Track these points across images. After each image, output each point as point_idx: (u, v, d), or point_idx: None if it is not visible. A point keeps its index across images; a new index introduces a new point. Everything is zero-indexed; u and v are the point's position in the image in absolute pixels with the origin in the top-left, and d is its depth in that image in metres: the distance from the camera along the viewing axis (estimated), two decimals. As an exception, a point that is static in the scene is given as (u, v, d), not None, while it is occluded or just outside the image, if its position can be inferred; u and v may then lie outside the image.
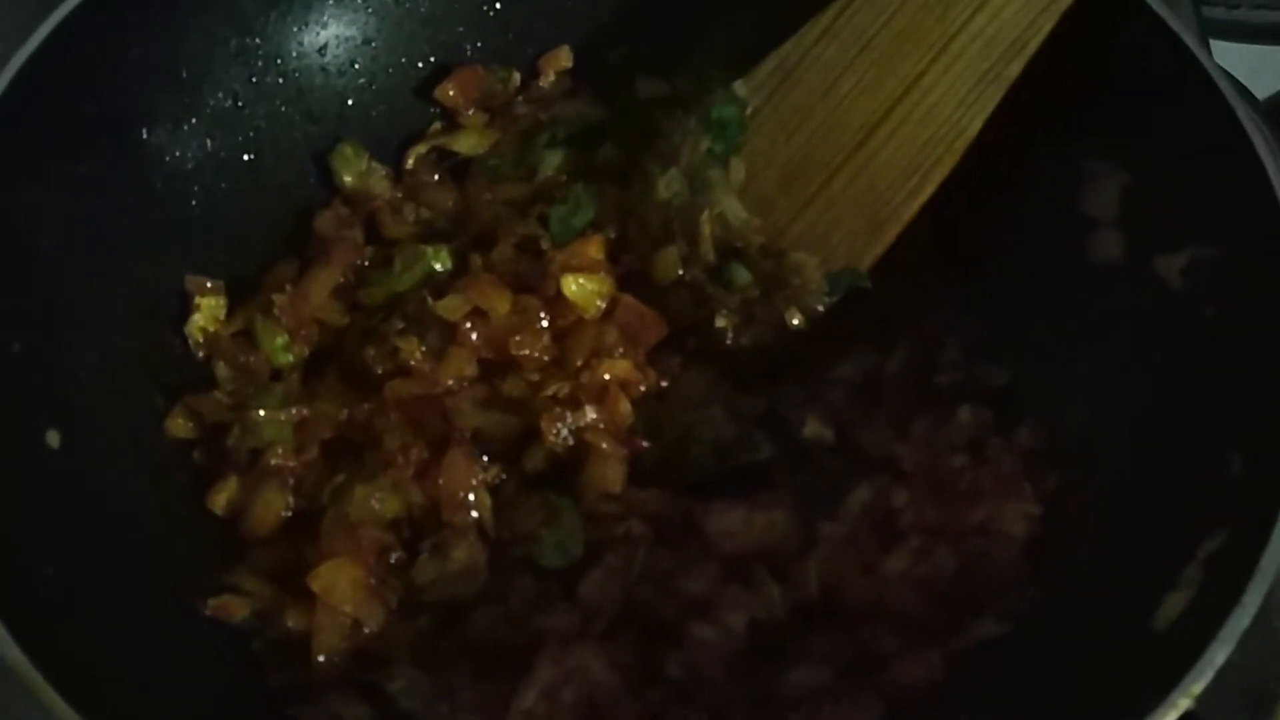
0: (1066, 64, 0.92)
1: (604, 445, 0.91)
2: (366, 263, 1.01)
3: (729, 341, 0.97)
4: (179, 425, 0.94)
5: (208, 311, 0.98)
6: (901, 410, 0.94)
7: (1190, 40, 0.86)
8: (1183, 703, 0.66)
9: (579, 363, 0.94)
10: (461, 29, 1.10)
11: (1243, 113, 0.82)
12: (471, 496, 0.89)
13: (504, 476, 0.91)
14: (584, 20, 1.11)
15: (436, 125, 1.09)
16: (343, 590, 0.85)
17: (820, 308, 0.96)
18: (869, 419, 0.94)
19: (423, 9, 1.08)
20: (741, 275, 0.96)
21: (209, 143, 1.00)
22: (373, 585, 0.86)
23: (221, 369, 0.96)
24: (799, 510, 0.89)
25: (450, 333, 0.94)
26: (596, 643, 0.83)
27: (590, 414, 0.92)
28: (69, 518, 0.81)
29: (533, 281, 0.97)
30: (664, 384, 0.96)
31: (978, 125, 0.91)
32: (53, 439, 0.83)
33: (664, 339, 0.96)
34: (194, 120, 1.00)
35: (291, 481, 0.91)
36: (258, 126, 1.03)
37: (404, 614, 0.86)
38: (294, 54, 1.05)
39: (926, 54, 0.93)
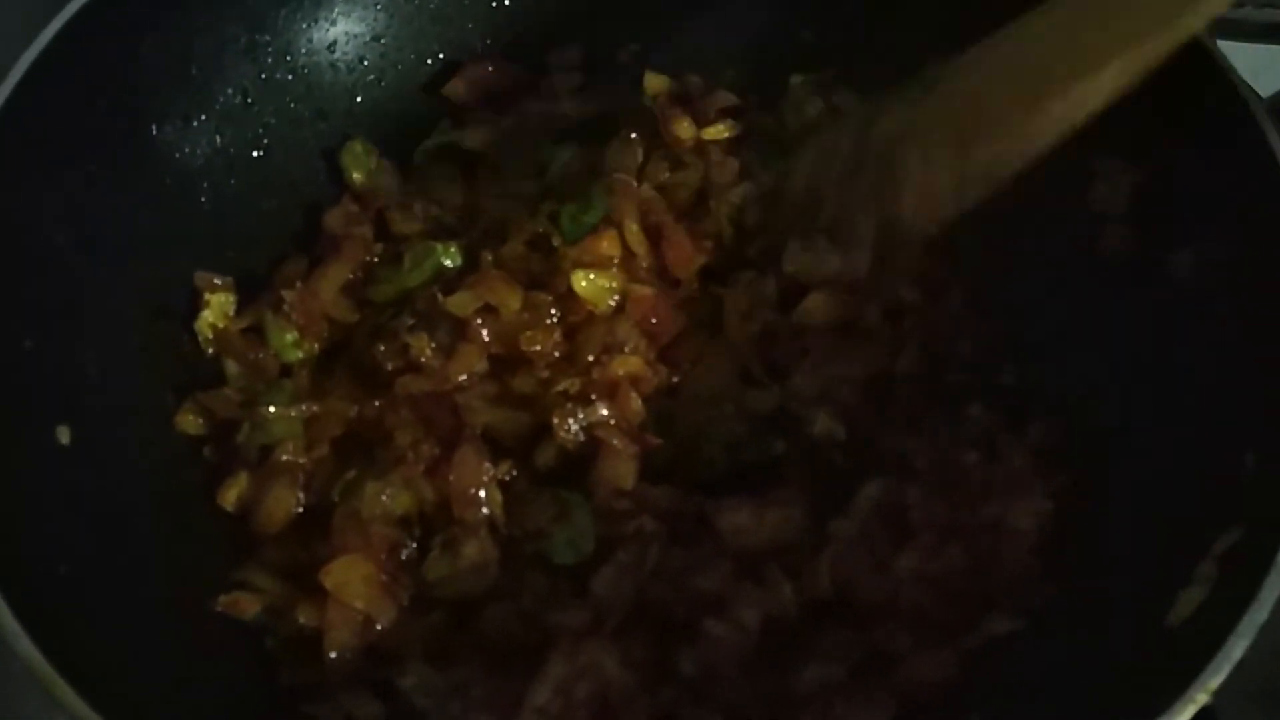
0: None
1: (615, 442, 0.91)
2: (376, 259, 1.01)
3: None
4: (189, 422, 0.94)
5: (218, 308, 0.98)
6: (913, 408, 0.94)
7: (1201, 35, 0.86)
8: (1200, 698, 0.65)
9: (590, 359, 0.94)
10: (471, 25, 1.10)
11: (1256, 108, 0.82)
12: (482, 493, 0.89)
13: (515, 473, 0.91)
14: (593, 17, 1.10)
15: (446, 122, 1.09)
16: (354, 586, 0.85)
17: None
18: (880, 416, 0.94)
19: (432, 5, 1.08)
20: None
21: (219, 139, 1.00)
22: (384, 582, 0.86)
23: (231, 366, 0.97)
24: (811, 507, 0.89)
25: (461, 329, 0.94)
26: (609, 640, 0.82)
27: (601, 410, 0.92)
28: (80, 514, 0.82)
29: (544, 278, 0.97)
30: (675, 380, 0.96)
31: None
32: (63, 435, 0.84)
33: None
34: (204, 117, 1.00)
35: (302, 478, 0.91)
36: (267, 123, 1.03)
37: (415, 610, 0.86)
38: (303, 51, 1.05)
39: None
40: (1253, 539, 0.72)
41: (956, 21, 0.99)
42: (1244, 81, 0.84)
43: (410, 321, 0.96)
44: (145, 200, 0.95)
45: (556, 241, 0.99)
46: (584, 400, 0.92)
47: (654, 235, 1.00)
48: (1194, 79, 0.85)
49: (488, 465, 0.90)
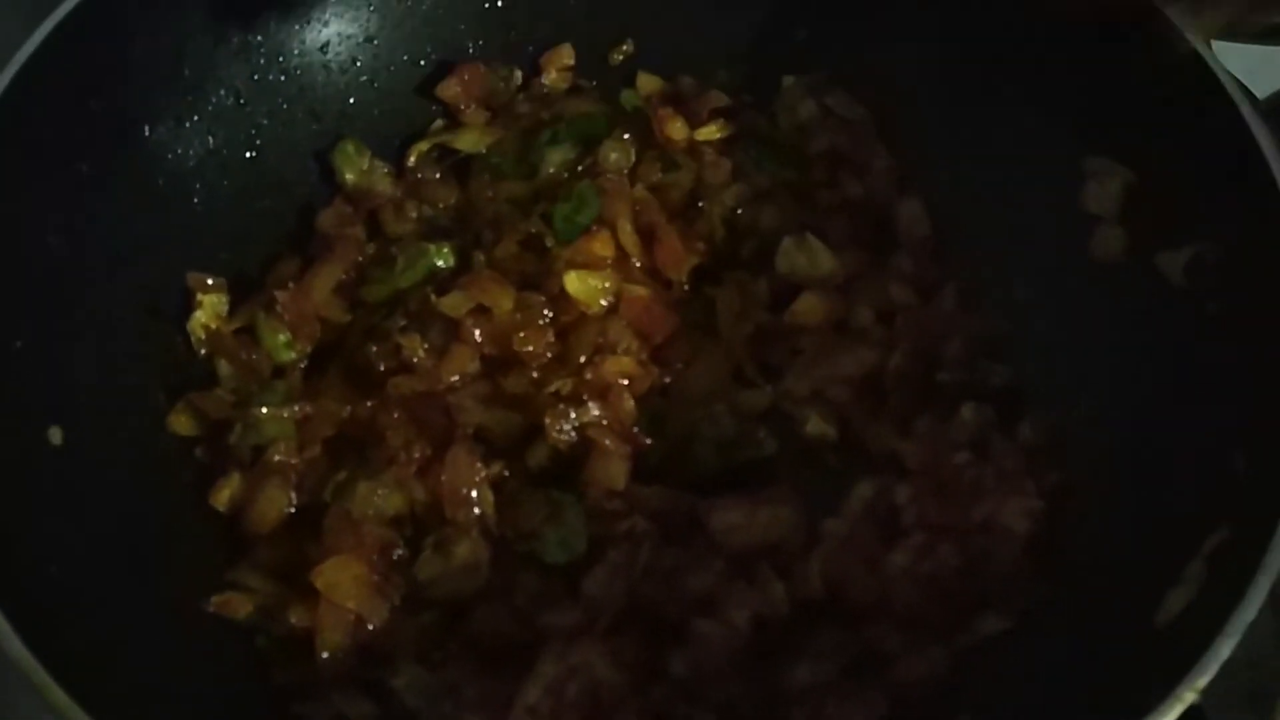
0: (1069, 61, 0.92)
1: (607, 442, 0.91)
2: (369, 260, 1.01)
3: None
4: (181, 422, 0.94)
5: (210, 309, 0.98)
6: (904, 407, 0.94)
7: (1193, 36, 0.86)
8: (1188, 697, 0.66)
9: (582, 359, 0.94)
10: (463, 27, 1.10)
11: (1246, 109, 0.82)
12: (474, 493, 0.89)
13: (507, 473, 0.91)
14: (585, 18, 1.11)
15: (438, 123, 1.09)
16: (346, 587, 0.85)
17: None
18: (872, 416, 0.94)
19: (424, 7, 1.08)
20: None
21: (211, 140, 1.00)
22: (376, 582, 0.86)
23: (224, 366, 0.97)
24: (802, 507, 0.89)
25: (453, 330, 0.94)
26: (600, 639, 0.82)
27: (593, 411, 0.92)
28: (72, 515, 0.81)
29: (536, 278, 0.97)
30: (667, 380, 0.96)
31: None
32: (55, 436, 0.84)
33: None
34: (196, 118, 1.00)
35: (294, 478, 0.91)
36: (260, 124, 1.03)
37: (407, 611, 0.86)
38: (296, 52, 1.05)
39: None
40: (1241, 539, 0.72)
41: (949, 22, 1.00)
42: (1238, 83, 0.84)
43: (403, 322, 0.96)
44: (137, 201, 0.95)
45: (549, 242, 0.99)
46: (576, 401, 0.92)
47: (646, 236, 1.00)
48: (1188, 80, 0.85)
49: (479, 465, 0.90)
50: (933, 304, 0.98)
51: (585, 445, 0.91)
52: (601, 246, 0.98)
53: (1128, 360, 0.88)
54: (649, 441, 0.93)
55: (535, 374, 0.94)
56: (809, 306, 0.98)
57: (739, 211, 1.03)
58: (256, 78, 1.03)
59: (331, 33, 1.06)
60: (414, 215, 1.04)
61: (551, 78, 1.10)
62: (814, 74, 1.07)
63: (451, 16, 1.09)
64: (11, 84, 0.85)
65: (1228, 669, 0.66)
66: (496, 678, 0.82)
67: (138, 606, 0.81)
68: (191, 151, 0.99)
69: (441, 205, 1.05)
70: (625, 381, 0.94)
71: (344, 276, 1.00)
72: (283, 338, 0.97)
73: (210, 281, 0.98)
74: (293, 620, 0.85)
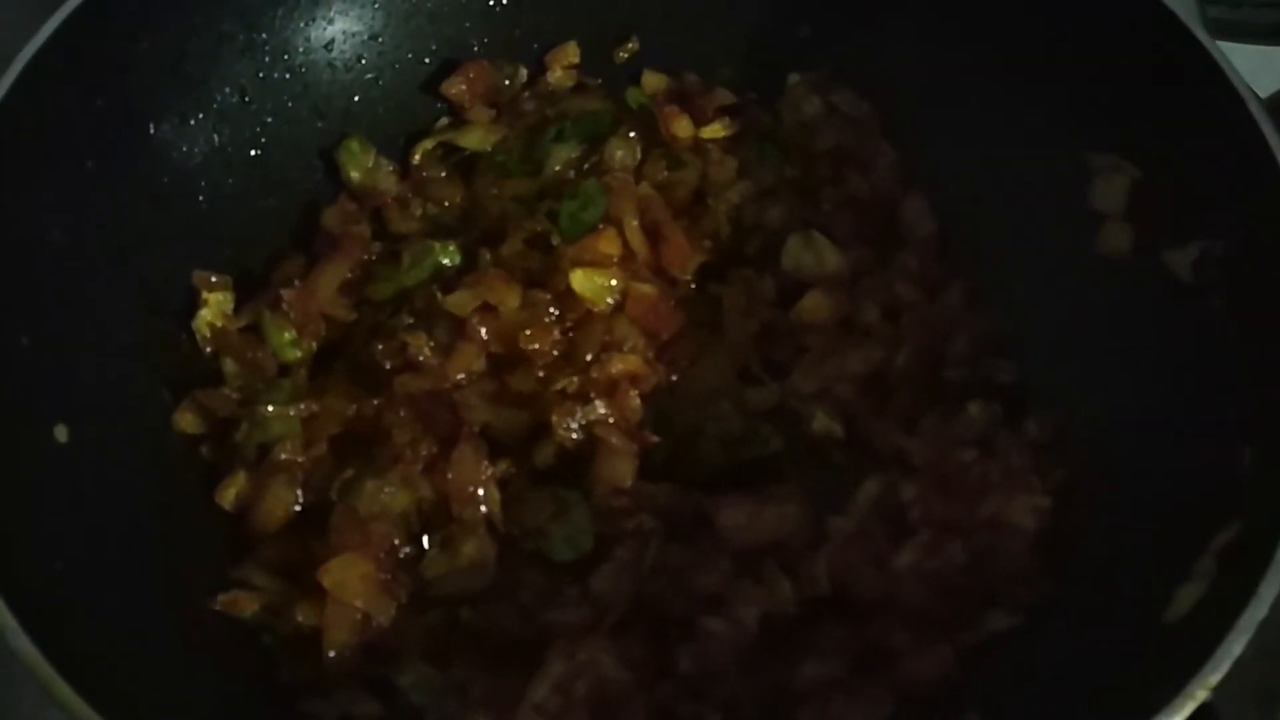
0: (1075, 58, 0.92)
1: (613, 440, 0.91)
2: (374, 258, 1.01)
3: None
4: (187, 420, 0.93)
5: (215, 307, 0.97)
6: (910, 405, 0.94)
7: (1199, 33, 0.86)
8: (1200, 694, 0.65)
9: (588, 357, 0.94)
10: (468, 24, 1.10)
11: (1254, 105, 0.82)
12: (481, 491, 0.89)
13: (513, 471, 0.91)
14: (590, 16, 1.11)
15: (443, 121, 1.09)
16: (352, 585, 0.85)
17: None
18: (878, 413, 0.94)
19: (429, 4, 1.08)
20: None
21: (216, 138, 1.00)
22: (382, 580, 0.86)
23: (229, 364, 0.96)
24: (809, 505, 0.89)
25: (459, 328, 0.94)
26: (607, 637, 0.82)
27: (600, 409, 0.92)
28: (77, 512, 0.81)
29: (542, 276, 0.97)
30: (674, 378, 0.96)
31: None
32: (61, 434, 0.83)
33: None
34: (201, 116, 0.99)
35: (300, 476, 0.91)
36: (265, 122, 1.03)
37: (414, 609, 0.86)
38: (301, 50, 1.04)
39: None
40: (1251, 535, 0.72)
41: (954, 19, 1.00)
42: (1242, 81, 0.84)
43: (408, 320, 0.96)
44: (142, 199, 0.95)
45: (555, 240, 0.99)
46: (583, 398, 0.92)
47: (652, 234, 1.00)
48: (1193, 78, 0.85)
49: (486, 463, 0.89)
50: (938, 301, 0.98)
51: (592, 443, 0.91)
52: (607, 244, 0.97)
53: (1135, 357, 0.88)
54: (655, 439, 0.93)
55: (541, 372, 0.94)
56: (815, 304, 0.98)
57: (744, 209, 1.03)
58: (261, 75, 1.03)
59: (336, 30, 1.06)
60: (419, 213, 1.04)
61: (557, 75, 1.10)
62: (819, 71, 1.07)
63: (456, 14, 1.09)
64: (16, 81, 0.85)
65: (1239, 666, 0.66)
66: (503, 676, 0.82)
67: (143, 604, 0.81)
68: (196, 149, 0.99)
69: (447, 203, 1.05)
70: (631, 379, 0.94)
71: (349, 275, 1.00)
72: (288, 336, 0.97)
73: (215, 279, 0.98)
74: (299, 618, 0.85)
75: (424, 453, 0.90)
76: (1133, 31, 0.89)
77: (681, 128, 1.06)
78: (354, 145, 1.05)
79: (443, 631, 0.86)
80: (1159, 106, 0.89)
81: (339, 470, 0.91)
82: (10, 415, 0.81)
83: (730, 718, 0.81)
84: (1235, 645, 0.66)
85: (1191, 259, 0.86)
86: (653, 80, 1.10)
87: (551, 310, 0.95)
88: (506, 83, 1.09)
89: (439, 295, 0.95)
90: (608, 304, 0.96)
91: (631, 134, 1.05)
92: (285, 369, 0.97)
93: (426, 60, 1.09)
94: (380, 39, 1.08)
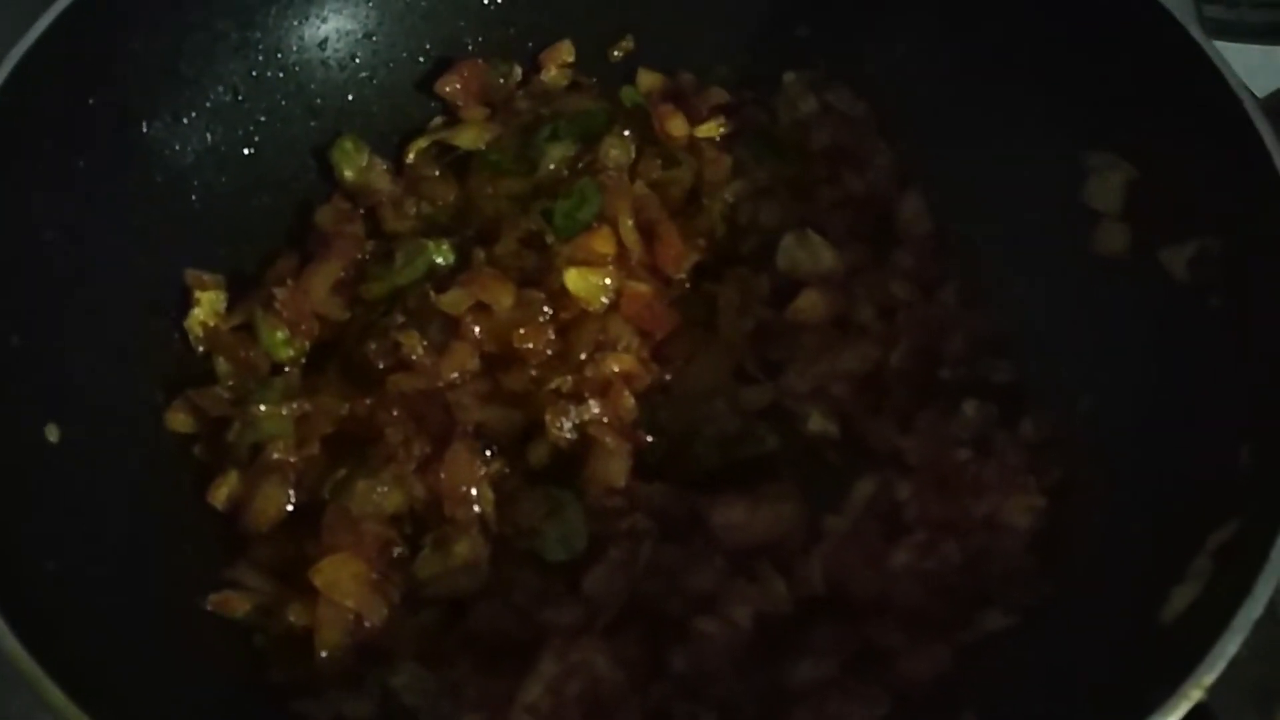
0: (1071, 57, 0.92)
1: (607, 439, 0.90)
2: (367, 257, 1.01)
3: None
4: (179, 420, 0.93)
5: (208, 306, 0.97)
6: (906, 404, 0.94)
7: (1196, 33, 0.86)
8: (1194, 694, 0.65)
9: (582, 356, 0.93)
10: (462, 23, 1.09)
11: (1249, 103, 0.82)
12: (474, 491, 0.89)
13: (507, 471, 0.91)
14: (585, 14, 1.10)
15: (437, 120, 1.09)
16: (345, 585, 0.84)
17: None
18: (873, 413, 0.94)
19: (424, 3, 1.08)
20: None
21: (209, 137, 1.00)
22: (375, 580, 0.85)
23: (222, 364, 0.96)
24: (804, 504, 0.89)
25: (453, 327, 0.94)
26: (600, 638, 0.82)
27: (594, 408, 0.91)
28: (69, 512, 0.81)
29: (536, 275, 0.96)
30: (668, 378, 0.96)
31: None
32: (52, 433, 0.83)
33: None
34: (194, 114, 0.99)
35: (292, 476, 0.91)
36: (258, 121, 1.03)
37: (406, 609, 0.86)
38: (294, 48, 1.04)
39: None
40: (1247, 534, 0.71)
41: (950, 17, 1.00)
42: (1239, 80, 0.84)
43: (402, 319, 0.95)
44: (135, 198, 0.95)
45: (549, 239, 0.98)
46: (576, 398, 0.92)
47: (647, 232, 1.00)
48: (1190, 78, 0.85)
49: (479, 463, 0.89)
50: (934, 300, 0.97)
51: (586, 443, 0.91)
52: (602, 243, 0.97)
53: (1131, 356, 0.87)
54: (650, 439, 0.93)
55: (535, 371, 0.94)
56: (810, 303, 0.97)
57: (740, 208, 1.03)
58: (255, 74, 1.02)
59: (330, 29, 1.06)
60: (413, 212, 1.04)
61: (551, 74, 1.10)
62: (815, 70, 1.07)
63: (451, 12, 1.09)
64: (8, 80, 0.85)
65: (1234, 666, 0.66)
66: (496, 676, 0.82)
67: (135, 604, 0.81)
68: (189, 148, 0.99)
69: (441, 202, 1.05)
70: (626, 379, 0.93)
71: (343, 274, 0.99)
72: (281, 335, 0.96)
73: (208, 278, 0.98)
74: (291, 619, 0.84)
75: (417, 452, 0.90)
76: (1129, 30, 0.89)
77: (676, 126, 1.05)
78: (348, 144, 1.05)
79: (435, 632, 0.85)
80: (1156, 105, 0.89)
81: (331, 470, 0.90)
82: (1, 415, 0.80)
83: (725, 718, 0.81)
84: (1230, 645, 0.66)
85: (1188, 258, 0.86)
86: (648, 79, 1.10)
87: (546, 309, 0.95)
88: (501, 81, 1.09)
89: (432, 294, 0.95)
90: (602, 303, 0.95)
91: (626, 133, 1.04)
92: (278, 368, 0.97)
93: (421, 59, 1.09)
94: (374, 37, 1.07)
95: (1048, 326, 0.94)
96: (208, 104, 1.00)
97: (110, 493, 0.85)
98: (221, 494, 0.90)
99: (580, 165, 1.04)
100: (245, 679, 0.84)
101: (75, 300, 0.89)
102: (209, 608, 0.85)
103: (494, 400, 0.93)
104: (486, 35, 1.10)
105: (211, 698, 0.81)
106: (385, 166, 1.06)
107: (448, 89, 1.08)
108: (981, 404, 0.91)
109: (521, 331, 0.93)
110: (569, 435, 0.91)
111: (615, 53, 1.11)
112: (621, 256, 0.98)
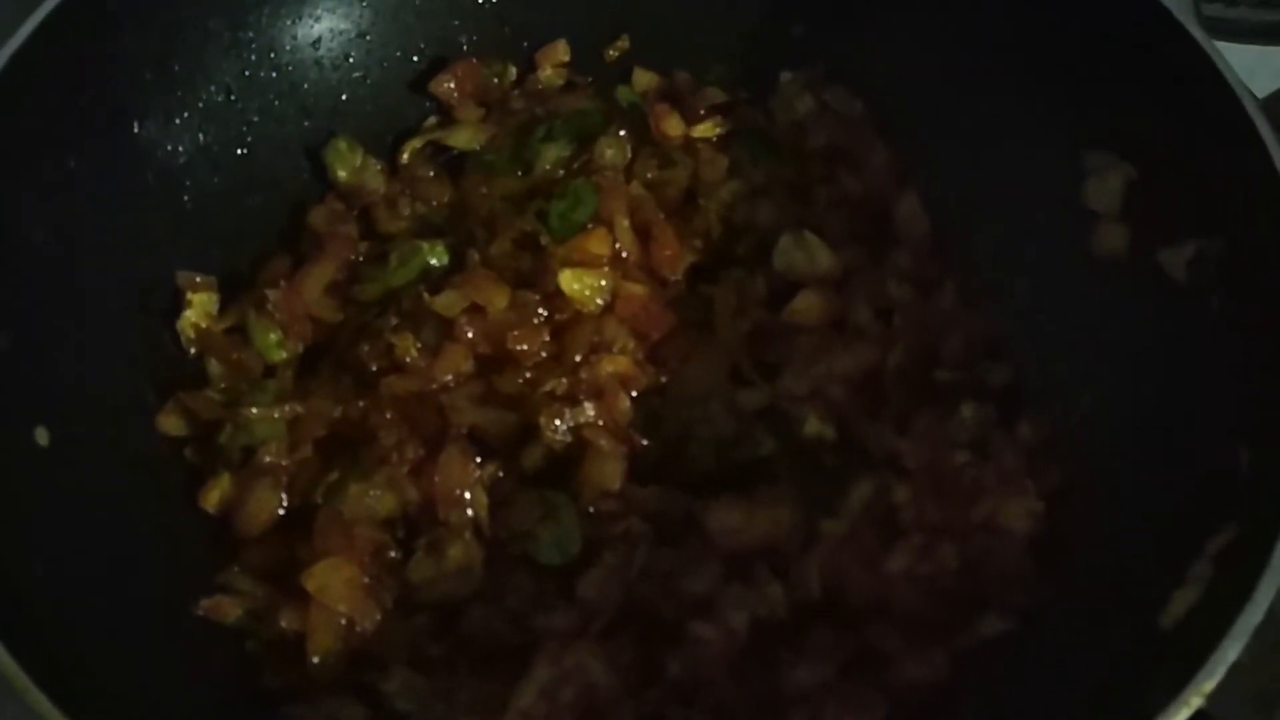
0: (1069, 56, 0.92)
1: (603, 442, 0.90)
2: (361, 258, 1.00)
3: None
4: (171, 422, 0.92)
5: (200, 307, 0.96)
6: (903, 407, 0.93)
7: (1196, 32, 0.85)
8: (1194, 701, 0.65)
9: (577, 358, 0.93)
10: (457, 22, 1.09)
11: (1249, 103, 0.81)
12: (468, 494, 0.88)
13: (501, 474, 0.90)
14: (580, 13, 1.10)
15: (432, 120, 1.08)
16: (337, 589, 0.84)
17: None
18: (870, 415, 0.93)
19: (418, 2, 1.08)
20: None
21: (201, 137, 0.99)
22: (367, 584, 0.85)
23: (214, 366, 0.95)
24: (800, 507, 0.88)
25: (447, 329, 0.93)
26: (595, 642, 0.82)
27: (589, 411, 0.91)
28: (58, 516, 0.80)
29: (532, 277, 0.96)
30: (664, 380, 0.95)
31: None
32: (42, 436, 0.82)
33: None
34: (186, 114, 0.98)
35: (285, 479, 0.90)
36: (251, 121, 1.02)
37: (399, 613, 0.85)
38: (287, 48, 1.04)
39: None
40: (1248, 538, 0.71)
41: (948, 17, 0.99)
42: (1239, 81, 0.83)
43: (395, 321, 0.95)
44: (127, 198, 0.94)
45: (544, 240, 0.98)
46: (571, 400, 0.91)
47: (642, 233, 0.99)
48: (1189, 78, 0.84)
49: (473, 466, 0.89)
50: (932, 301, 0.97)
51: (580, 445, 0.90)
52: (597, 244, 0.97)
53: (1130, 358, 0.87)
54: (645, 441, 0.92)
55: (530, 373, 0.93)
56: (807, 304, 0.97)
57: (736, 208, 1.02)
58: (247, 74, 1.02)
59: (323, 28, 1.05)
60: (407, 213, 1.03)
61: (546, 74, 1.09)
62: (811, 69, 1.07)
63: (445, 12, 1.08)
64: (-2, 78, 0.84)
65: (1234, 672, 0.65)
66: (490, 681, 0.81)
67: (125, 609, 0.80)
68: (181, 148, 0.98)
69: (435, 203, 1.04)
70: (621, 381, 0.93)
71: (336, 275, 0.99)
72: (274, 337, 0.96)
73: (200, 279, 0.97)
74: (283, 623, 0.84)
75: (410, 455, 0.89)
76: (1129, 30, 0.88)
77: (672, 126, 1.05)
78: (341, 144, 1.04)
79: (429, 636, 0.85)
80: (1155, 105, 0.88)
81: (324, 473, 0.90)
82: (-10, 417, 0.80)
83: (720, 724, 0.80)
84: (1230, 651, 0.65)
85: (1187, 259, 0.85)
86: (643, 78, 1.09)
87: (540, 311, 0.94)
88: (495, 81, 1.08)
89: (426, 296, 0.94)
90: (597, 304, 0.95)
91: (622, 133, 1.04)
92: (271, 370, 0.96)
93: (415, 58, 1.08)
94: (368, 37, 1.07)
95: (1046, 328, 0.93)
96: (200, 104, 0.99)
97: (100, 496, 0.84)
98: (213, 497, 0.90)
99: (576, 165, 1.04)
100: (237, 685, 0.83)
101: (65, 301, 0.88)
102: (200, 613, 0.84)
103: (488, 402, 0.92)
104: (481, 34, 1.09)
105: (203, 704, 0.80)
106: (379, 167, 1.05)
107: (442, 89, 1.07)
108: (979, 406, 0.91)
109: (516, 333, 0.93)
110: (563, 438, 0.91)
111: (611, 52, 1.11)
112: (617, 257, 0.98)
